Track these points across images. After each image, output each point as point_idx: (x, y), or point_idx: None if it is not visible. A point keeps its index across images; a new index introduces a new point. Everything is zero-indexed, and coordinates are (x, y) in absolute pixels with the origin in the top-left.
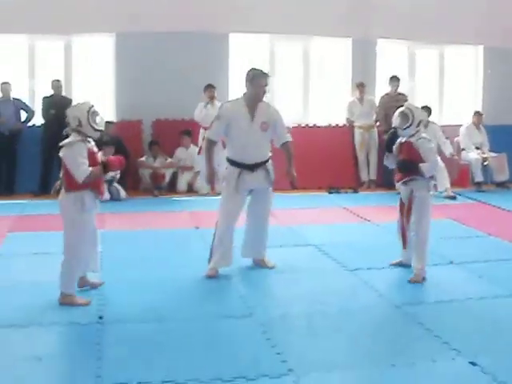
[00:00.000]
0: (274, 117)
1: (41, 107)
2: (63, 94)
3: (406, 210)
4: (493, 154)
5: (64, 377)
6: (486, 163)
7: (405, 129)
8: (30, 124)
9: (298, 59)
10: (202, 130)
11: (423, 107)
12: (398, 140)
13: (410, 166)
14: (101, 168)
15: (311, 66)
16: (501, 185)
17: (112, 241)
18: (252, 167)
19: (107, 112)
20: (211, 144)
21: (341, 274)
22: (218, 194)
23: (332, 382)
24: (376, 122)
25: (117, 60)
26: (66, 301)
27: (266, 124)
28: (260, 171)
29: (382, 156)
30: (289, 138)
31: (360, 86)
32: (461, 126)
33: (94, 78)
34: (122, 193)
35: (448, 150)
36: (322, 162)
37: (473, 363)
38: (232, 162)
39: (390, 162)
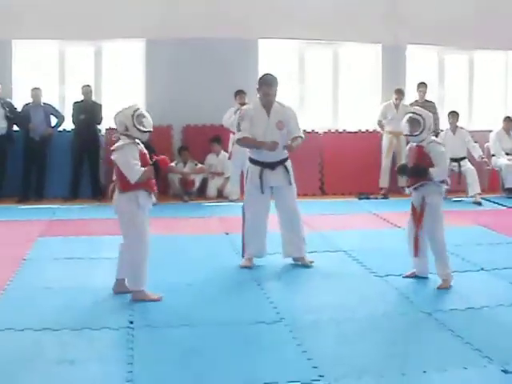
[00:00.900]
0: (288, 115)
1: (71, 112)
2: (93, 99)
3: (417, 216)
4: None
5: (96, 381)
6: None
7: (416, 135)
8: (60, 129)
9: (327, 65)
10: (231, 136)
11: (451, 112)
12: (408, 146)
13: (420, 171)
14: (152, 168)
15: (341, 72)
16: None
17: None
18: (271, 165)
19: None
20: (244, 139)
21: (371, 280)
22: None
23: None
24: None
25: (147, 66)
26: (138, 297)
27: (282, 123)
28: (279, 169)
29: None
30: (301, 133)
31: (398, 92)
32: (491, 131)
33: (123, 84)
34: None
35: (477, 153)
36: (351, 168)
37: (505, 371)
38: (253, 161)
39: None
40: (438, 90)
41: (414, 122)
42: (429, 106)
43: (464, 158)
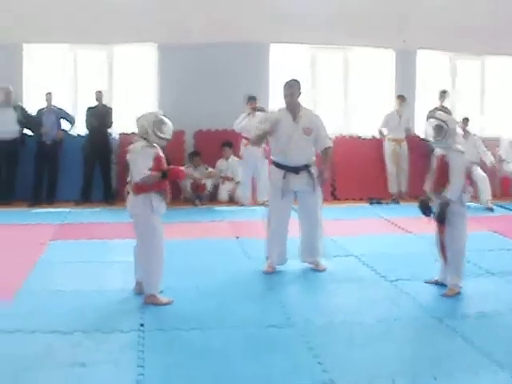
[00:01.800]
0: (316, 122)
1: (84, 118)
2: (104, 103)
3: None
4: None
5: (107, 383)
6: None
7: (439, 140)
8: (73, 133)
9: (338, 70)
10: (243, 140)
11: (463, 119)
12: (434, 152)
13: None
14: (159, 175)
15: (352, 77)
16: None
17: None
18: (296, 169)
19: None
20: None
21: (381, 285)
22: (258, 204)
23: None
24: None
25: (159, 70)
26: (150, 300)
27: (309, 129)
28: (303, 174)
29: (411, 168)
30: (330, 143)
31: (400, 99)
32: (502, 138)
33: (136, 89)
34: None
35: (488, 160)
36: (363, 173)
37: None
38: (277, 165)
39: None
40: (450, 95)
41: (437, 128)
42: (446, 112)
43: (475, 164)
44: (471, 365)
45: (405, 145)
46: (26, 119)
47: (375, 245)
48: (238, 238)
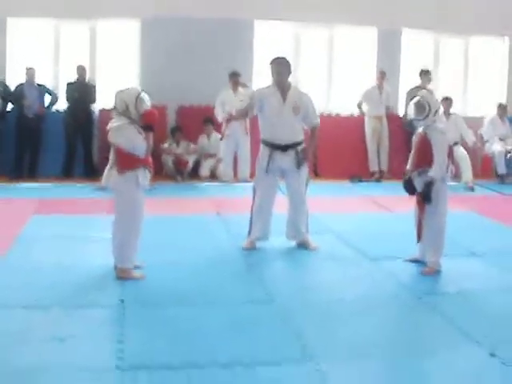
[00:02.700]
0: (306, 102)
1: (65, 92)
2: (87, 79)
3: (420, 201)
4: None
5: (86, 358)
6: (509, 155)
7: (422, 119)
8: (54, 109)
9: (322, 48)
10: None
11: (444, 98)
12: (416, 131)
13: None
14: (150, 134)
15: (335, 55)
16: None
17: None
18: (283, 148)
19: None
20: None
21: (361, 263)
22: (240, 181)
23: (352, 370)
24: (403, 115)
25: (142, 45)
26: (123, 275)
27: (298, 108)
28: (290, 152)
29: (392, 146)
30: (317, 121)
31: (380, 74)
32: (485, 117)
33: (118, 63)
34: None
35: (470, 139)
36: (345, 151)
37: (492, 354)
38: (264, 143)
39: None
40: (434, 74)
41: (419, 107)
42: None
43: (457, 143)
44: (450, 343)
45: (385, 122)
46: (8, 94)
47: (356, 223)
48: (218, 213)
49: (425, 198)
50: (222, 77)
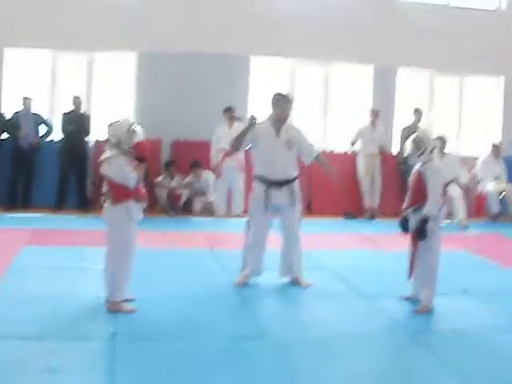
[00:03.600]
0: (297, 136)
1: (60, 123)
2: (83, 110)
3: (414, 238)
4: (510, 186)
5: None
6: (502, 194)
7: (418, 156)
8: (49, 139)
9: (318, 84)
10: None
11: (438, 137)
12: (412, 169)
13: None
14: (141, 165)
15: (331, 92)
16: None
17: None
18: (278, 184)
19: None
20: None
21: (355, 300)
22: (233, 216)
23: None
24: (398, 153)
25: (138, 78)
26: (114, 308)
27: (291, 143)
28: (286, 189)
29: (385, 184)
30: (316, 152)
31: (373, 113)
32: (479, 157)
33: (114, 96)
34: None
35: (462, 179)
36: (340, 188)
37: None
38: (259, 179)
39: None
40: (429, 113)
41: (416, 144)
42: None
43: (451, 182)
44: (442, 381)
45: (378, 160)
46: (3, 123)
47: (350, 260)
48: (211, 248)
49: (419, 234)
50: (218, 111)
